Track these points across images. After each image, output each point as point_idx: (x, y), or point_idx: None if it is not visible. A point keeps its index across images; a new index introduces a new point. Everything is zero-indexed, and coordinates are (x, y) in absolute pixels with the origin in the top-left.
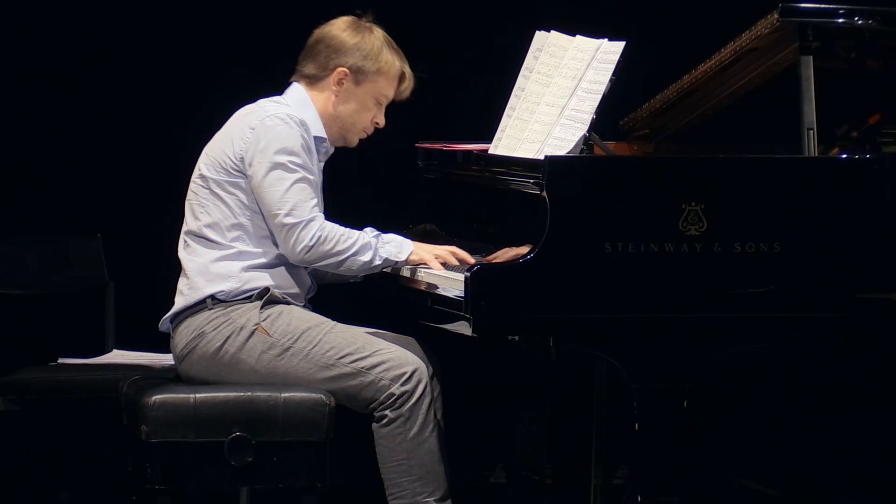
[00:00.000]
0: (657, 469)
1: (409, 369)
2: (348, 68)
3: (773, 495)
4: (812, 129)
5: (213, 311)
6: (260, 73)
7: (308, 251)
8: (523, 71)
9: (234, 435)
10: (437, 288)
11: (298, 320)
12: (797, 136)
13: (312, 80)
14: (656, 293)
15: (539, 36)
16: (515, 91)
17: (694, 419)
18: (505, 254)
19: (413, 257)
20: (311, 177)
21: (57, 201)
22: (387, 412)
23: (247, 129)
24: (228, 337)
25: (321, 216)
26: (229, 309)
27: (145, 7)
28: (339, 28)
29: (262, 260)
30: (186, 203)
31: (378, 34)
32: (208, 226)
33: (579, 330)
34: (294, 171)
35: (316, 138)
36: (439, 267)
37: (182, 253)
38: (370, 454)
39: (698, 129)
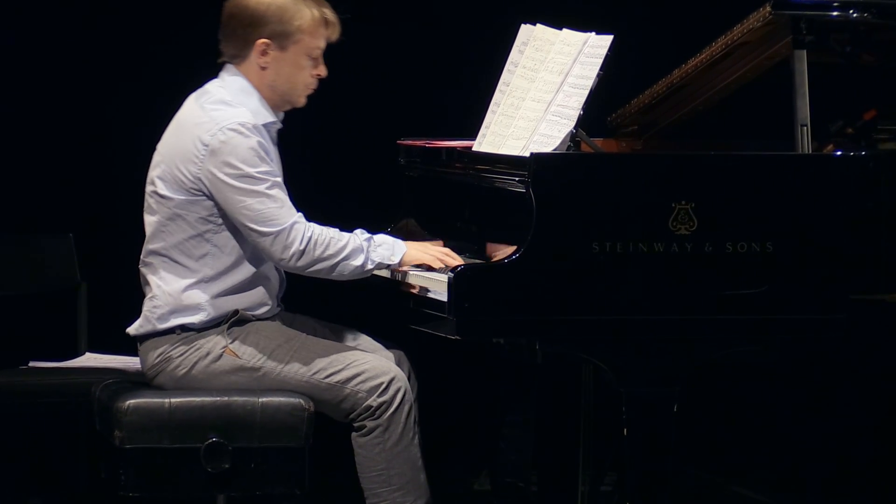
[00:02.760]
0: (647, 476)
1: (386, 379)
2: (268, 38)
3: (766, 502)
4: (806, 125)
5: (179, 336)
6: None
7: (300, 256)
8: (508, 65)
9: (210, 441)
10: (429, 291)
11: (267, 339)
12: (790, 133)
13: (237, 60)
14: (645, 294)
15: (524, 29)
16: (500, 86)
17: (685, 424)
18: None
19: (406, 259)
20: (279, 178)
21: (27, 199)
22: (365, 422)
23: (200, 144)
24: (196, 363)
25: (302, 217)
26: (196, 335)
27: (114, 4)
28: None
29: (232, 281)
30: (145, 215)
31: None
32: (174, 247)
33: (566, 332)
34: (261, 181)
35: (267, 125)
36: (437, 264)
37: (145, 270)
38: (351, 460)
39: (688, 126)
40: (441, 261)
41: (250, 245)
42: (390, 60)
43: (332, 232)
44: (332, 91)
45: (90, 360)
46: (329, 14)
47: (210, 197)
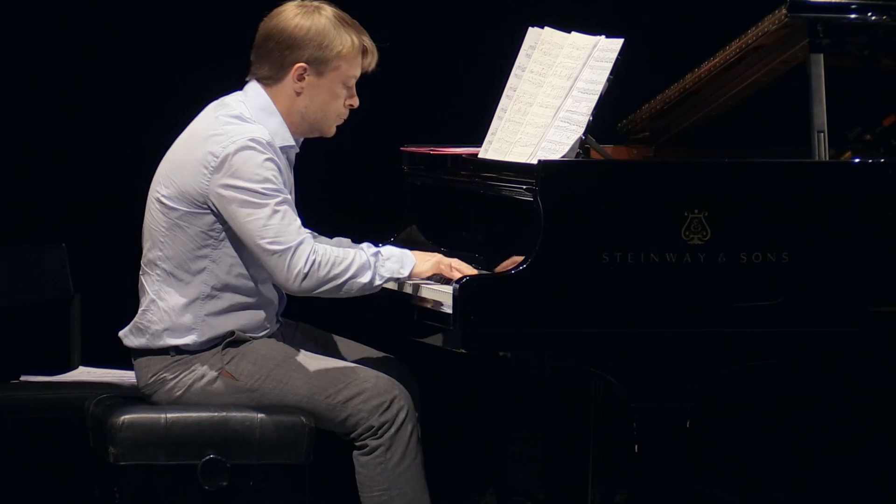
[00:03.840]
0: (658, 493)
1: (388, 397)
2: (306, 62)
3: None
4: (823, 131)
5: (173, 358)
6: (236, 75)
7: (305, 278)
8: (515, 70)
9: (207, 457)
10: (443, 305)
11: (264, 358)
12: (807, 140)
13: (270, 82)
14: (657, 306)
15: (532, 32)
16: (507, 91)
17: (696, 439)
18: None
19: (416, 271)
20: (289, 197)
21: (18, 208)
22: (367, 441)
23: (210, 156)
24: (191, 385)
25: (309, 238)
26: (191, 357)
27: (114, 8)
28: (287, 19)
29: (228, 301)
30: (145, 221)
31: (328, 13)
32: (172, 259)
33: (575, 345)
34: (271, 197)
35: (284, 148)
36: (455, 276)
37: (144, 278)
38: (352, 478)
39: (701, 132)
40: (458, 270)
41: (250, 265)
42: (393, 64)
43: (337, 251)
44: None
45: (84, 374)
46: (368, 42)
47: (214, 212)
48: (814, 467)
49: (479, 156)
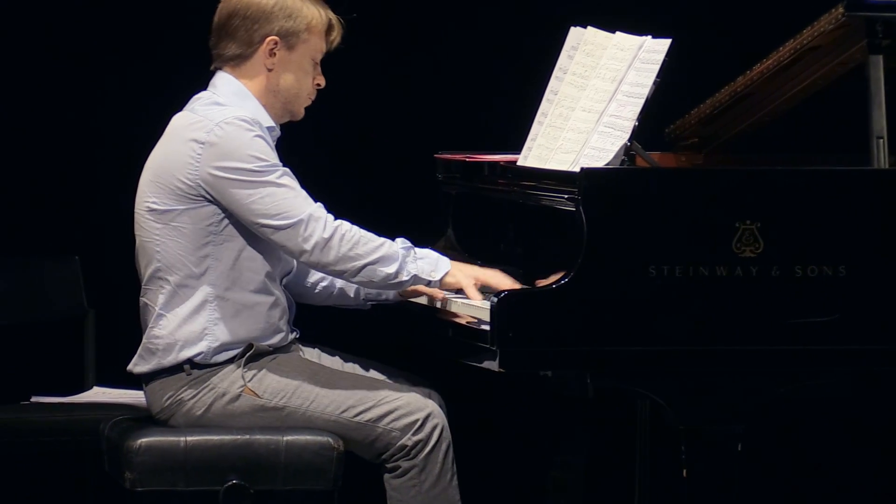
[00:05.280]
0: None
1: (422, 416)
2: (277, 35)
3: None
4: (882, 137)
5: (189, 375)
6: None
7: (324, 247)
8: (556, 72)
9: (230, 483)
10: (481, 322)
11: (289, 374)
12: (865, 146)
13: (239, 61)
14: (706, 322)
15: (574, 32)
16: (547, 95)
17: (750, 464)
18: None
19: (449, 279)
20: (287, 169)
21: (28, 219)
22: (400, 462)
23: (195, 145)
24: (211, 404)
25: (322, 207)
26: (209, 373)
27: (120, 13)
28: None
29: (238, 300)
30: (138, 247)
31: None
32: (170, 267)
33: (620, 364)
34: (268, 173)
35: (266, 129)
36: (476, 294)
37: (145, 300)
38: (384, 503)
39: (753, 138)
40: (487, 285)
41: (255, 258)
42: (427, 67)
43: (364, 232)
44: (364, 101)
45: (98, 394)
46: (333, 16)
47: (212, 200)
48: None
49: (518, 163)
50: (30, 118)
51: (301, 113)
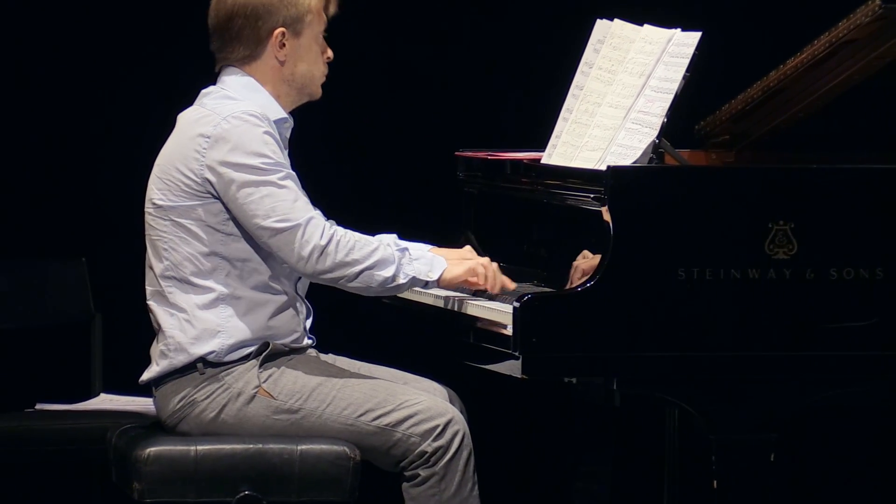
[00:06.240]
0: None
1: (442, 421)
2: (283, 25)
3: None
4: None
5: (203, 374)
6: None
7: (321, 254)
8: (582, 66)
9: (242, 494)
10: (504, 327)
11: (306, 376)
12: None
13: (248, 60)
14: (738, 327)
15: (600, 25)
16: (573, 90)
17: (783, 475)
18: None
19: (447, 276)
20: (292, 172)
21: (33, 220)
22: (419, 470)
23: (201, 139)
24: (225, 405)
25: (320, 214)
26: (223, 372)
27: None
28: None
29: (250, 298)
30: (148, 245)
31: None
32: (178, 265)
33: (647, 371)
34: (272, 172)
35: (278, 122)
36: (510, 283)
37: (152, 303)
38: None
39: (787, 135)
40: (494, 282)
41: (267, 256)
42: (447, 61)
43: (358, 235)
44: (383, 97)
45: (105, 401)
46: None
47: (218, 196)
48: None
49: (542, 161)
50: (36, 119)
51: (319, 92)
